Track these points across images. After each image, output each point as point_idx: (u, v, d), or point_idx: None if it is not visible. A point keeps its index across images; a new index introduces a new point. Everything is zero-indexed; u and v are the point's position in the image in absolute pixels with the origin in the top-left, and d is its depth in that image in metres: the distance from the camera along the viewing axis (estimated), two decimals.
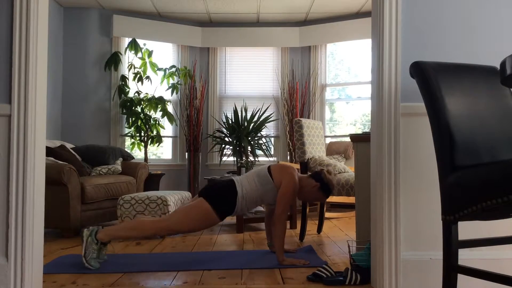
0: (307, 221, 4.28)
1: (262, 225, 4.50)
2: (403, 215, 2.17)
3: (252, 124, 5.79)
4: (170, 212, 3.64)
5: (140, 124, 5.84)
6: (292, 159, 6.26)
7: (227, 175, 4.66)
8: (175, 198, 3.88)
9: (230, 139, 5.71)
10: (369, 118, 5.51)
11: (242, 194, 2.83)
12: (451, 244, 1.53)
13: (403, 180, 2.17)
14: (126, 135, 6.04)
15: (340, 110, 6.68)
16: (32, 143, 2.10)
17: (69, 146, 4.73)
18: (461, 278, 2.02)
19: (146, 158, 5.86)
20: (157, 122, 5.96)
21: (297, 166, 5.80)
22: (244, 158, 5.53)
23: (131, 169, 4.76)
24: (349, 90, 6.55)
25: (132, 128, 5.85)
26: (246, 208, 2.89)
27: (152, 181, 5.43)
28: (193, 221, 2.74)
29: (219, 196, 2.81)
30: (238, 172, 4.24)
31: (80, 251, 3.24)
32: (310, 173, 3.06)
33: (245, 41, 6.54)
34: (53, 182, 3.70)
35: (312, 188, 2.94)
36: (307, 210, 3.79)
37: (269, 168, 2.92)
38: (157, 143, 6.00)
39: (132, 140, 5.95)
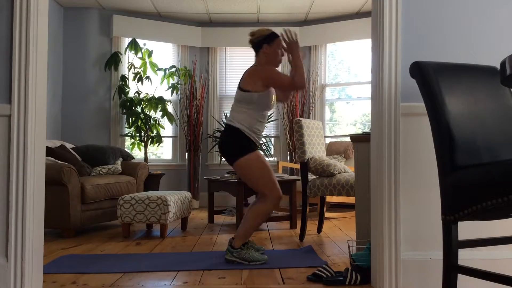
0: (307, 221, 4.28)
1: (262, 225, 4.50)
2: (403, 215, 2.17)
3: None
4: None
5: (140, 124, 5.84)
6: (292, 159, 6.26)
7: (227, 175, 4.66)
8: (175, 198, 3.88)
9: None
10: (369, 118, 5.51)
11: (243, 126, 2.84)
12: (451, 244, 1.53)
13: (403, 180, 2.17)
14: (126, 135, 6.03)
15: (340, 110, 6.68)
16: (32, 143, 2.10)
17: (69, 146, 4.73)
18: (461, 278, 2.02)
19: (146, 158, 5.86)
20: (157, 122, 5.96)
21: (297, 166, 5.80)
22: None
23: (131, 169, 4.76)
24: (349, 90, 6.55)
25: (132, 128, 5.85)
26: (258, 131, 2.90)
27: (152, 181, 5.43)
28: (262, 174, 2.81)
29: (234, 146, 2.83)
30: None
31: (81, 251, 3.25)
32: (255, 56, 3.04)
33: (245, 41, 6.48)
34: (53, 182, 3.70)
35: (270, 51, 2.92)
36: (307, 210, 3.79)
37: (239, 87, 2.91)
38: (157, 143, 6.00)
39: (132, 140, 5.95)
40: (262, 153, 5.93)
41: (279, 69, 3.03)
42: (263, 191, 2.83)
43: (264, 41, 2.94)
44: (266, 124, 5.68)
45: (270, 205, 2.83)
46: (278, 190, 2.85)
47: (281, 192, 2.89)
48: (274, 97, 2.98)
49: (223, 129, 2.93)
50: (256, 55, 2.99)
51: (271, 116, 6.22)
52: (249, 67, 3.00)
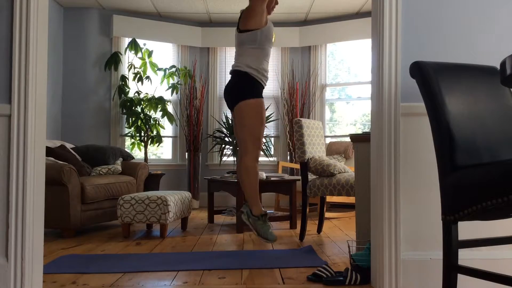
0: (307, 221, 4.28)
1: None
2: (403, 215, 2.17)
3: None
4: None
5: (140, 124, 5.84)
6: (292, 159, 6.26)
7: (227, 175, 4.66)
8: (175, 198, 3.88)
9: (230, 139, 5.70)
10: (369, 118, 5.51)
11: (251, 69, 2.89)
12: (451, 244, 1.53)
13: (403, 180, 2.17)
14: (126, 135, 6.03)
15: (340, 110, 6.68)
16: (32, 143, 2.10)
17: (69, 146, 4.73)
18: (461, 278, 2.02)
19: (146, 158, 5.86)
20: (157, 122, 5.96)
21: (297, 166, 5.80)
22: None
23: (131, 169, 4.76)
24: (349, 90, 6.55)
25: (132, 128, 5.84)
26: (264, 71, 2.95)
27: (152, 181, 5.43)
28: (254, 123, 2.86)
29: (239, 88, 2.89)
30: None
31: (81, 251, 3.25)
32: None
33: None
34: (53, 182, 3.70)
35: (252, 2, 2.95)
36: (307, 210, 3.79)
37: (236, 30, 3.00)
38: (157, 143, 6.00)
39: (132, 140, 5.95)
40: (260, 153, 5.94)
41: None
42: (247, 142, 2.86)
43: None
44: (266, 124, 5.68)
45: (252, 160, 2.86)
46: (260, 144, 2.89)
47: (260, 152, 2.93)
48: (274, 34, 3.03)
49: (230, 75, 2.98)
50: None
51: (271, 116, 6.22)
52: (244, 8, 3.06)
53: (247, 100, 2.85)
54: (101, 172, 4.52)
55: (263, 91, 3.03)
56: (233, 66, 2.97)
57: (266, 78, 3.00)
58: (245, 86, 2.88)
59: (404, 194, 2.17)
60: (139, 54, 5.94)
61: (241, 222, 4.02)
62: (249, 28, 2.92)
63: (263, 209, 2.92)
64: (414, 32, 2.20)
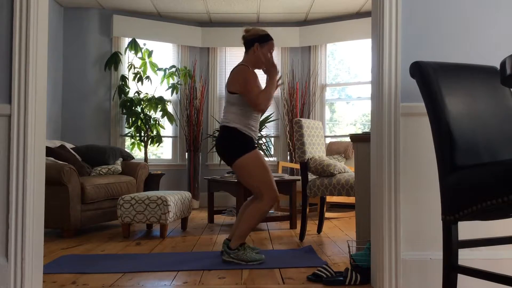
0: (307, 221, 4.28)
1: (262, 225, 4.50)
2: (403, 215, 2.17)
3: None
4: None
5: (140, 124, 5.84)
6: (292, 159, 6.26)
7: (227, 175, 4.66)
8: (175, 198, 3.88)
9: None
10: (369, 118, 5.51)
11: (240, 126, 2.86)
12: (451, 244, 1.53)
13: (403, 180, 2.17)
14: (126, 135, 6.03)
15: (340, 110, 6.68)
16: (32, 143, 2.10)
17: (69, 146, 4.73)
18: (461, 278, 2.02)
19: (146, 158, 5.86)
20: (157, 122, 5.96)
21: (297, 166, 5.80)
22: None
23: (131, 169, 4.76)
24: (349, 90, 6.55)
25: (132, 128, 5.84)
26: (254, 128, 2.92)
27: (152, 181, 5.43)
28: (260, 173, 2.82)
29: (233, 146, 2.85)
30: None
31: (81, 251, 3.25)
32: (245, 53, 3.04)
33: None
34: (53, 182, 3.70)
35: (260, 52, 2.93)
36: (307, 210, 3.79)
37: (226, 89, 2.93)
38: (157, 143, 6.00)
39: (132, 140, 5.95)
40: (262, 153, 5.93)
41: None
42: (260, 191, 2.82)
43: (257, 40, 2.94)
44: (266, 124, 5.69)
45: (267, 206, 2.83)
46: (275, 191, 2.85)
47: (278, 193, 2.89)
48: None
49: (218, 132, 2.94)
50: (246, 53, 3.00)
51: (271, 115, 6.22)
52: (236, 65, 3.00)
53: (241, 158, 2.80)
54: (101, 172, 4.52)
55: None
56: (222, 120, 2.92)
57: (256, 133, 2.94)
58: (236, 144, 2.83)
59: (404, 194, 2.17)
60: (139, 54, 5.94)
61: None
62: (235, 91, 2.87)
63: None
64: (414, 32, 2.20)
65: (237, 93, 2.86)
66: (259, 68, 2.99)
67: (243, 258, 2.79)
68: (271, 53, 2.98)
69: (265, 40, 2.95)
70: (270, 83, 2.88)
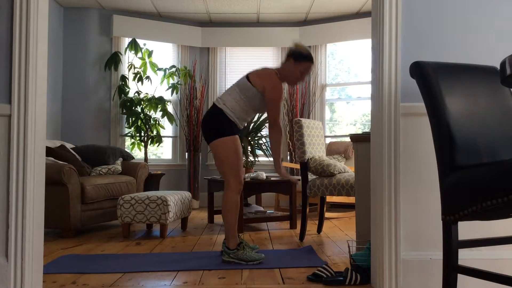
0: (307, 221, 4.28)
1: (262, 225, 4.50)
2: (403, 215, 2.17)
3: (252, 124, 5.79)
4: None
5: (140, 124, 5.84)
6: (292, 159, 6.26)
7: None
8: (175, 198, 3.88)
9: None
10: (369, 118, 5.51)
11: (227, 108, 2.87)
12: (451, 244, 1.53)
13: (403, 180, 2.17)
14: (126, 135, 6.03)
15: (340, 110, 6.68)
16: (32, 143, 2.10)
17: (69, 146, 4.73)
18: (461, 278, 2.02)
19: (146, 158, 5.86)
20: (157, 122, 5.96)
21: (297, 166, 5.80)
22: (244, 158, 5.53)
23: (131, 169, 4.76)
24: (349, 90, 6.55)
25: (132, 128, 5.85)
26: (242, 118, 2.93)
27: (152, 181, 5.43)
28: (230, 158, 2.85)
29: (214, 126, 2.87)
30: None
31: (81, 251, 3.25)
32: (282, 61, 3.05)
33: (245, 41, 6.54)
34: (53, 182, 3.70)
35: (294, 67, 2.94)
36: (307, 210, 3.79)
37: (247, 77, 2.93)
38: (157, 143, 6.00)
39: (132, 140, 5.95)
40: (258, 159, 5.93)
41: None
42: (227, 176, 2.87)
43: (295, 56, 2.94)
44: (266, 124, 5.69)
45: (234, 192, 2.87)
46: (240, 177, 2.88)
47: (242, 181, 2.92)
48: (262, 107, 2.99)
49: (209, 109, 2.98)
50: (283, 62, 3.00)
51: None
52: (270, 67, 3.01)
53: (220, 139, 2.84)
54: (101, 172, 4.52)
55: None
56: (217, 100, 2.93)
57: (242, 123, 2.97)
58: (219, 125, 2.86)
59: (404, 194, 2.17)
60: (139, 54, 5.94)
61: (240, 221, 4.03)
62: (253, 84, 2.89)
63: (238, 238, 2.90)
64: (414, 32, 2.20)
65: (258, 90, 2.88)
66: (287, 81, 3.00)
67: (243, 258, 2.80)
68: (303, 75, 2.99)
69: (303, 59, 2.95)
70: (280, 167, 2.98)
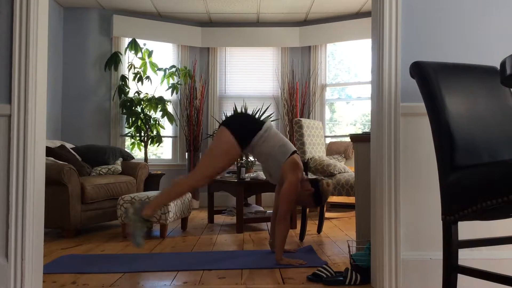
0: (307, 221, 4.28)
1: (262, 225, 4.50)
2: (403, 215, 2.17)
3: None
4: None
5: (140, 124, 5.84)
6: None
7: (227, 175, 4.66)
8: None
9: None
10: (369, 118, 5.51)
11: (263, 135, 2.88)
12: (451, 244, 1.53)
13: (403, 180, 2.17)
14: (126, 135, 6.03)
15: (340, 110, 6.68)
16: (32, 143, 2.10)
17: (69, 146, 4.73)
18: (461, 278, 2.02)
19: (146, 158, 5.86)
20: (157, 122, 5.96)
21: None
22: (244, 158, 5.53)
23: (131, 169, 4.76)
24: (349, 90, 6.55)
25: (132, 128, 5.84)
26: (257, 152, 2.92)
27: (152, 181, 5.43)
28: (218, 156, 2.80)
29: (241, 125, 2.87)
30: (238, 172, 4.24)
31: (81, 251, 3.25)
32: (310, 178, 3.07)
33: (245, 41, 6.54)
34: (53, 182, 3.70)
35: (305, 191, 2.96)
36: (307, 210, 3.79)
37: (293, 152, 2.94)
38: (157, 143, 6.00)
39: (132, 140, 5.95)
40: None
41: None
42: (198, 170, 2.81)
43: (316, 195, 2.97)
44: None
45: (193, 181, 2.81)
46: (203, 182, 2.82)
47: (201, 185, 2.87)
48: (272, 174, 3.00)
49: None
50: (309, 181, 3.01)
51: (271, 115, 6.22)
52: (302, 171, 2.99)
53: (227, 131, 2.82)
54: (101, 172, 4.52)
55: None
56: (268, 125, 2.96)
57: (252, 151, 2.96)
58: (247, 125, 2.88)
59: (404, 194, 2.17)
60: (139, 54, 5.94)
61: (240, 221, 4.02)
62: (284, 169, 2.90)
63: (153, 214, 2.86)
64: (414, 32, 2.20)
65: (281, 169, 2.90)
66: (297, 199, 2.99)
67: (135, 227, 2.75)
68: (305, 204, 3.04)
69: (317, 201, 2.99)
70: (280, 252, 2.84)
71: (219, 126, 2.91)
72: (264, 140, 2.90)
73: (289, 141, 3.03)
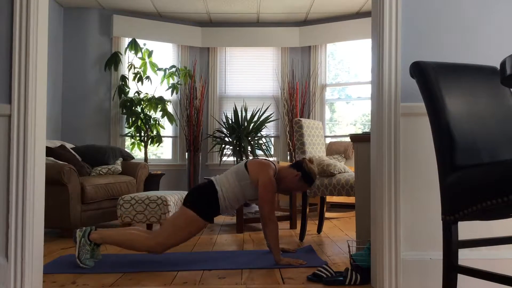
0: (307, 221, 4.28)
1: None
2: (403, 215, 2.17)
3: (252, 124, 5.79)
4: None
5: (140, 124, 5.84)
6: (292, 159, 6.26)
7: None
8: (175, 198, 3.87)
9: (230, 139, 5.71)
10: (369, 118, 5.51)
11: (222, 193, 2.81)
12: (451, 244, 1.53)
13: (403, 180, 2.17)
14: (126, 135, 6.04)
15: (340, 110, 6.68)
16: (32, 143, 2.10)
17: (69, 146, 4.73)
18: (461, 278, 2.02)
19: (146, 158, 5.86)
20: (157, 122, 5.96)
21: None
22: (244, 158, 5.53)
23: (131, 169, 4.76)
24: (349, 90, 6.55)
25: (132, 128, 5.85)
26: (230, 206, 2.87)
27: (152, 181, 5.43)
28: (182, 231, 2.73)
29: (200, 200, 2.79)
30: None
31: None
32: (290, 163, 3.05)
33: (245, 41, 6.54)
34: (53, 182, 3.70)
35: (294, 178, 2.91)
36: (307, 210, 3.79)
37: (246, 163, 2.90)
38: (157, 143, 6.01)
39: (132, 140, 5.95)
40: (261, 153, 5.93)
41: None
42: (159, 237, 2.72)
43: (304, 174, 2.91)
44: (266, 124, 5.69)
45: (144, 248, 2.73)
46: (161, 251, 2.74)
47: (158, 252, 2.76)
48: (255, 198, 2.94)
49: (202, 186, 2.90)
50: (292, 167, 2.96)
51: (271, 116, 6.23)
52: (272, 162, 2.95)
53: (195, 215, 2.73)
54: (101, 172, 4.52)
55: None
56: (215, 179, 2.89)
57: (228, 210, 2.89)
58: (206, 206, 2.78)
59: (404, 194, 2.17)
60: (139, 54, 5.94)
61: (240, 221, 4.02)
62: (250, 172, 2.84)
63: (96, 241, 2.76)
64: (414, 32, 2.20)
65: (251, 180, 2.83)
66: (280, 185, 2.94)
67: (82, 251, 2.70)
68: (298, 189, 2.99)
69: (308, 181, 2.93)
70: (278, 254, 2.79)
71: (189, 206, 2.78)
72: (226, 193, 2.82)
73: (233, 166, 2.94)
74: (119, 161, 4.81)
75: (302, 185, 2.96)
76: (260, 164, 2.87)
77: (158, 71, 6.06)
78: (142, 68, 5.96)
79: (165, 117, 5.97)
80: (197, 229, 2.77)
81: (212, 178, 2.92)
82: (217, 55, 6.63)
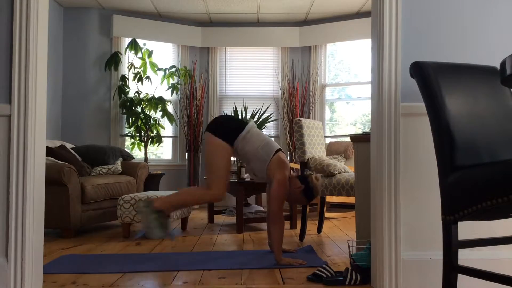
0: (307, 221, 4.28)
1: (262, 225, 4.50)
2: (403, 215, 2.17)
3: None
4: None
5: (140, 124, 5.84)
6: (292, 159, 6.26)
7: None
8: None
9: None
10: (369, 118, 5.51)
11: (245, 136, 2.89)
12: (451, 244, 1.53)
13: (403, 180, 2.17)
14: (126, 135, 6.03)
15: (340, 110, 6.68)
16: (32, 143, 2.10)
17: (69, 146, 4.73)
18: (461, 278, 2.02)
19: (146, 158, 5.86)
20: (157, 122, 5.96)
21: (297, 166, 5.80)
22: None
23: (131, 169, 4.76)
24: (349, 90, 6.55)
25: (132, 128, 5.85)
26: (241, 154, 2.93)
27: (152, 181, 5.43)
28: (218, 162, 2.82)
29: (223, 127, 2.89)
30: (238, 172, 4.24)
31: (81, 251, 3.25)
32: (298, 174, 3.07)
33: (245, 41, 6.54)
34: (53, 182, 3.70)
35: (296, 189, 2.94)
36: (307, 210, 3.79)
37: (278, 150, 2.95)
38: (157, 143, 6.00)
39: (132, 140, 5.95)
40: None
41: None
42: (211, 183, 2.83)
43: (307, 190, 2.94)
44: (266, 124, 5.69)
45: (207, 198, 2.85)
46: (223, 192, 2.84)
47: (224, 195, 2.86)
48: (254, 171, 3.00)
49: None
50: (298, 178, 2.98)
51: (271, 115, 6.23)
52: (289, 169, 2.99)
53: (219, 139, 2.83)
54: (101, 172, 4.52)
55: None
56: (250, 125, 2.95)
57: (236, 152, 2.95)
58: (231, 126, 2.89)
59: (404, 194, 2.17)
60: (139, 54, 5.94)
61: (240, 221, 4.02)
62: (270, 168, 2.90)
63: (168, 212, 2.85)
64: (414, 32, 2.20)
65: (266, 167, 2.90)
66: (289, 198, 2.97)
67: (147, 220, 2.78)
68: (297, 202, 3.04)
69: (308, 197, 2.96)
70: (279, 254, 2.81)
71: (204, 132, 2.90)
72: (248, 141, 2.90)
73: (272, 140, 3.02)
74: (119, 161, 4.82)
75: (301, 198, 2.98)
76: (284, 163, 2.93)
77: (158, 71, 6.06)
78: (142, 68, 5.96)
79: (165, 117, 5.97)
80: (228, 155, 2.86)
81: (248, 123, 2.97)
82: (217, 55, 6.63)
